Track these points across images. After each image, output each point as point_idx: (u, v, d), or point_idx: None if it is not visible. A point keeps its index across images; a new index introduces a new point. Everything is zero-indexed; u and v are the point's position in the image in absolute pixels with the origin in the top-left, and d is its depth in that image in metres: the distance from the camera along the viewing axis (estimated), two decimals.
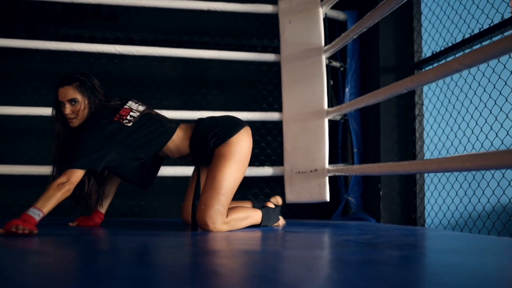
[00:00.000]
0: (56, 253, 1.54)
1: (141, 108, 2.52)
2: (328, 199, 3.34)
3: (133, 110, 2.47)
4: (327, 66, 3.57)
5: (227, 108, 3.88)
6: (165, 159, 2.61)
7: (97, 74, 3.87)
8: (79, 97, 2.40)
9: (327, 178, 3.34)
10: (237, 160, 2.40)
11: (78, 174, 2.24)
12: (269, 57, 3.66)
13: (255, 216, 2.56)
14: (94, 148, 2.29)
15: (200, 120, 2.57)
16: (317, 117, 3.41)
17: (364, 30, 2.95)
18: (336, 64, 3.83)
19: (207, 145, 2.44)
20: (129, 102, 2.53)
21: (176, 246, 1.73)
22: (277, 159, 3.99)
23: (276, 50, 3.82)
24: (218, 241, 1.92)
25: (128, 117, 2.42)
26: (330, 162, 3.91)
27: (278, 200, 2.90)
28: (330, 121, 3.87)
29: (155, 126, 2.47)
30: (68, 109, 2.40)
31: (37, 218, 2.04)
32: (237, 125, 2.48)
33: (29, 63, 3.90)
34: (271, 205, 2.74)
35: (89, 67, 3.93)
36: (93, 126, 2.36)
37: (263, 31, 4.08)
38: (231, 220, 2.38)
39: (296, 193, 3.42)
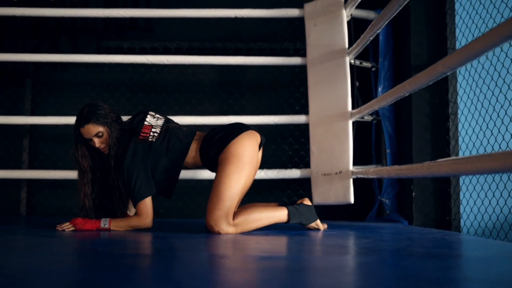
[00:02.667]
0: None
1: (160, 122, 2.70)
2: (352, 201, 3.34)
3: (153, 127, 2.66)
4: (353, 67, 3.56)
5: (260, 112, 3.96)
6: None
7: (136, 82, 4.15)
8: (101, 129, 2.59)
9: (351, 180, 3.33)
10: (236, 165, 2.47)
11: (147, 205, 2.56)
12: (295, 60, 3.70)
13: (277, 214, 2.56)
14: (141, 174, 2.54)
15: (211, 129, 2.69)
16: (341, 119, 3.41)
17: (378, 31, 2.93)
18: (367, 64, 3.80)
19: (210, 155, 2.58)
20: (148, 117, 2.71)
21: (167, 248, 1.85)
22: (299, 161, 4.02)
23: None
24: (210, 244, 2.01)
25: (151, 134, 2.62)
26: (364, 163, 3.89)
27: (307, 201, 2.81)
28: (363, 122, 3.86)
29: (174, 140, 2.64)
30: (97, 142, 2.60)
31: (102, 225, 2.56)
32: (235, 132, 2.56)
33: (74, 74, 4.19)
34: (307, 202, 2.67)
35: (129, 76, 4.16)
36: (125, 153, 2.56)
37: (295, 34, 4.11)
38: (240, 223, 2.46)
39: (322, 195, 3.44)
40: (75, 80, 4.19)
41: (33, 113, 4.15)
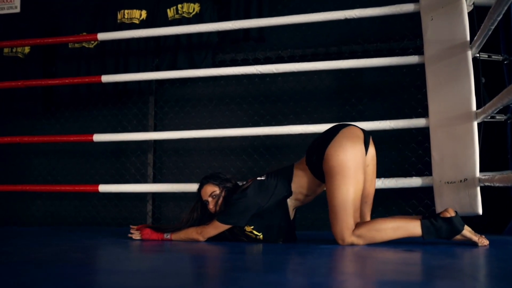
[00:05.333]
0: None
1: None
2: (480, 212, 2.96)
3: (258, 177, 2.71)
4: (477, 61, 3.18)
5: (379, 117, 3.71)
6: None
7: (251, 93, 4.15)
8: (217, 189, 2.74)
9: (478, 189, 2.96)
10: (341, 174, 2.38)
11: (218, 228, 2.63)
12: (412, 59, 3.41)
13: (407, 226, 2.35)
14: (247, 205, 2.58)
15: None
16: (464, 120, 3.05)
17: (499, 18, 2.56)
18: (497, 57, 3.38)
19: (313, 161, 2.53)
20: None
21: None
22: (423, 168, 3.66)
23: None
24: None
25: (257, 178, 2.68)
26: (500, 169, 3.46)
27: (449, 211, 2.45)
28: (496, 123, 3.43)
29: (280, 170, 2.70)
30: (211, 203, 2.73)
31: (164, 236, 2.77)
32: (331, 134, 2.49)
33: (192, 90, 4.31)
34: (446, 214, 2.38)
35: (244, 88, 4.18)
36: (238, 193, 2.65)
37: (415, 31, 3.80)
38: (362, 233, 2.37)
39: (446, 205, 3.09)
40: (193, 95, 4.31)
41: (156, 128, 4.34)
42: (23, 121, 4.67)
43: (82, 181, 4.40)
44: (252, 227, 2.64)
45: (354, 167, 2.40)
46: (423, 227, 2.33)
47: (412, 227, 2.35)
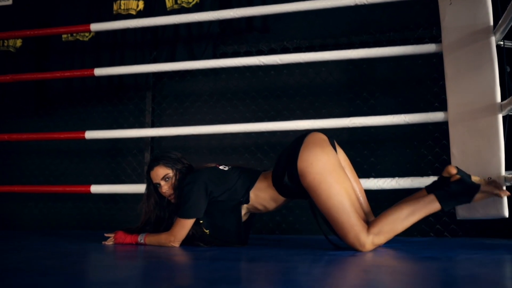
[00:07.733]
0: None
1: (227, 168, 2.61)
2: (507, 214, 2.67)
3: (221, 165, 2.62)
4: (501, 49, 2.89)
5: (392, 112, 3.43)
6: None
7: (254, 87, 3.89)
8: (170, 171, 2.60)
9: (504, 188, 2.67)
10: (325, 182, 2.21)
11: (185, 226, 2.47)
12: (428, 48, 3.12)
13: (424, 204, 2.19)
14: (201, 194, 2.44)
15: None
16: (488, 113, 2.76)
17: None
18: None
19: (283, 182, 2.35)
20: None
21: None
22: (441, 167, 3.37)
23: None
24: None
25: (221, 167, 2.58)
26: None
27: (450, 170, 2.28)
28: None
29: (245, 169, 2.57)
30: (165, 187, 2.60)
31: (138, 240, 2.62)
32: (294, 151, 2.32)
33: (192, 84, 4.05)
34: (451, 170, 2.26)
35: (247, 82, 3.91)
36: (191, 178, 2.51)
37: (431, 19, 3.51)
38: (380, 230, 2.18)
39: (467, 207, 2.79)
40: (193, 90, 4.04)
41: (154, 126, 4.09)
42: (16, 119, 4.43)
43: (75, 182, 4.14)
44: (202, 222, 2.49)
45: (334, 169, 2.24)
46: (440, 199, 2.18)
47: (428, 204, 2.19)
